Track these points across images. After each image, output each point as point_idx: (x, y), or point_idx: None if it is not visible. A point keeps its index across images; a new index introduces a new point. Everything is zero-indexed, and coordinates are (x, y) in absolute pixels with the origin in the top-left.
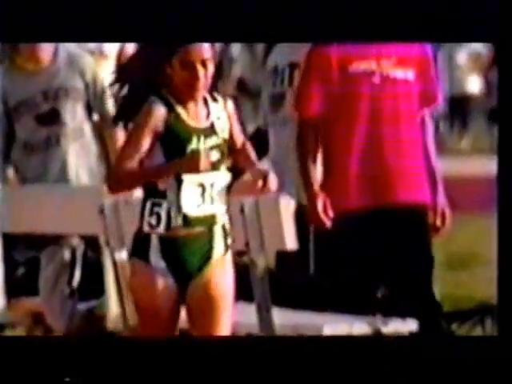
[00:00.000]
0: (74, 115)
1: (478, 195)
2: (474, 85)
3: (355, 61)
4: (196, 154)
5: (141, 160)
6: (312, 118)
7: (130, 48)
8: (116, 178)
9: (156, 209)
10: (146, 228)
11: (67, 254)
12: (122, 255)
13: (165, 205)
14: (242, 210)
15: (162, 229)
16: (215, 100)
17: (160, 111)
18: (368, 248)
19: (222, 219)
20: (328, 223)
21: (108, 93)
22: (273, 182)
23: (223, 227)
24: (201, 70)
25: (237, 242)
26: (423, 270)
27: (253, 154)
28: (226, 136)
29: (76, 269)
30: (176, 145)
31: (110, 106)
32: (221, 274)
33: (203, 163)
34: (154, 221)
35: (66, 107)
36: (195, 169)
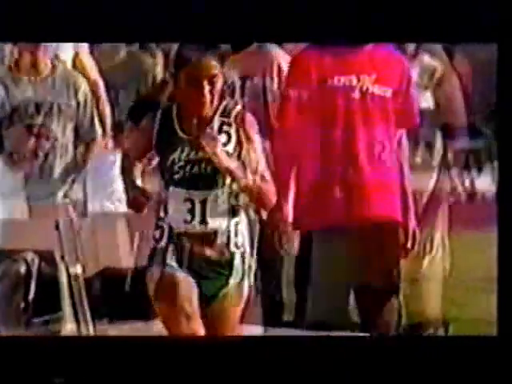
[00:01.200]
0: (64, 131)
1: (433, 210)
2: (427, 99)
3: (335, 75)
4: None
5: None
6: (289, 130)
7: (85, 53)
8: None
9: (160, 222)
10: (151, 243)
11: (22, 269)
12: (77, 270)
13: (167, 219)
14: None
15: (163, 243)
16: (227, 115)
17: (153, 125)
18: (336, 261)
19: (224, 237)
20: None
21: (96, 118)
22: None
23: (242, 254)
24: (207, 87)
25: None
26: (390, 286)
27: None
28: (230, 150)
29: (31, 283)
30: (162, 154)
31: (97, 132)
32: (236, 299)
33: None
34: (157, 235)
35: (58, 122)
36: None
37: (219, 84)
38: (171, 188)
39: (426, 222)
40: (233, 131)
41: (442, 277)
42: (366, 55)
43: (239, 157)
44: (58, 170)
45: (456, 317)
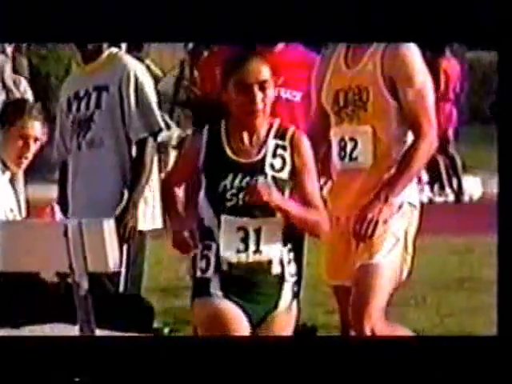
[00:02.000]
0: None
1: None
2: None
3: None
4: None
5: (190, 189)
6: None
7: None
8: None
9: (205, 251)
10: (198, 273)
11: None
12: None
13: (214, 247)
14: (65, 233)
15: (210, 273)
16: (281, 137)
17: (200, 144)
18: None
19: (279, 268)
20: None
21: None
22: None
23: (291, 275)
24: (258, 94)
25: (60, 264)
26: None
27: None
28: (284, 176)
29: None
30: (212, 179)
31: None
32: (285, 324)
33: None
34: (204, 264)
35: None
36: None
37: (271, 92)
38: (223, 216)
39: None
40: (287, 155)
41: (394, 276)
42: (275, 58)
43: (294, 183)
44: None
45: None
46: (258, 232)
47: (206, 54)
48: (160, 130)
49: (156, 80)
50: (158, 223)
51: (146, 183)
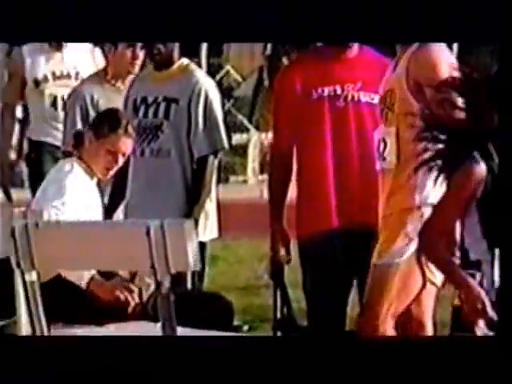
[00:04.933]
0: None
1: None
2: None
3: (319, 85)
4: None
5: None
6: (282, 149)
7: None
8: None
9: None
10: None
11: None
12: (32, 277)
13: (478, 277)
14: (147, 233)
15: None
16: None
17: (480, 173)
18: (333, 267)
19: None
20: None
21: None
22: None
23: None
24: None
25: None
26: None
27: None
28: None
29: None
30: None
31: None
32: None
33: None
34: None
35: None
36: None
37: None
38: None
39: None
40: None
41: (411, 280)
42: (351, 62)
43: None
44: None
45: None
46: None
47: (284, 59)
48: (223, 148)
49: (236, 85)
50: (215, 233)
51: (205, 200)
